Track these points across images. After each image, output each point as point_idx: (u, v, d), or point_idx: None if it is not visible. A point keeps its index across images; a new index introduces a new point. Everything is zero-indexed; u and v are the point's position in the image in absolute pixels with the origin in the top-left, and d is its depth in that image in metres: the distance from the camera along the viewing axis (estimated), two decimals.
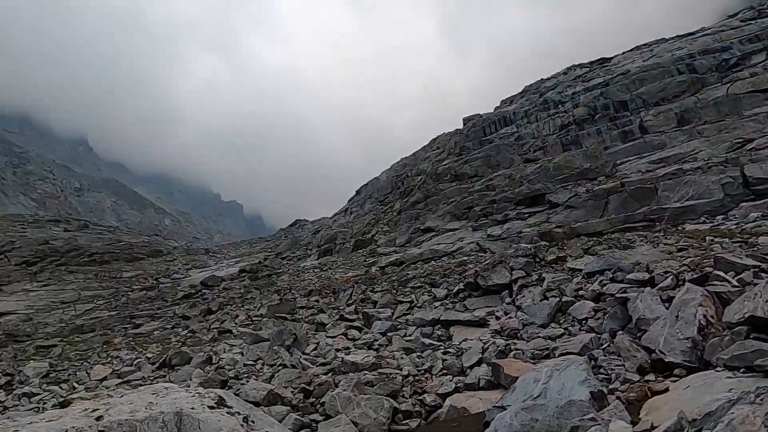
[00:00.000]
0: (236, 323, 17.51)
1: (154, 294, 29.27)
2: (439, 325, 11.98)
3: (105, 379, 12.94)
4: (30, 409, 10.56)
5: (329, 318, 14.88)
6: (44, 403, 10.99)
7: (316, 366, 10.33)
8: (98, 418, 3.70)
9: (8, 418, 4.53)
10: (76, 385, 12.72)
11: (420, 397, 8.10)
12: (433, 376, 8.88)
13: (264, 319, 16.41)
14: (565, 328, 9.68)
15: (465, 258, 19.14)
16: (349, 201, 50.04)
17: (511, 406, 5.52)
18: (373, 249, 28.25)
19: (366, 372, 9.13)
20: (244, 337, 14.08)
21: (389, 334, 12.01)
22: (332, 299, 17.68)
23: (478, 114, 38.58)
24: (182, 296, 27.40)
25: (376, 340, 11.74)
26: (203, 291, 27.90)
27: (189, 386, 9.47)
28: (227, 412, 4.13)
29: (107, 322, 23.10)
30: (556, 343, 8.89)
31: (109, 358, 15.18)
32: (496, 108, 39.74)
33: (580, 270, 12.38)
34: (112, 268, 36.50)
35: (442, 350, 10.06)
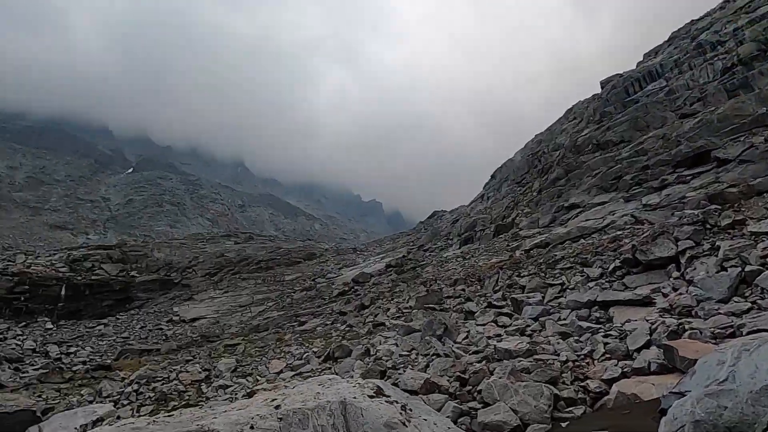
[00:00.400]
0: (388, 316, 18.30)
1: (313, 293, 31.90)
2: (596, 307, 11.19)
3: (281, 372, 14.47)
4: (225, 399, 12.24)
5: (477, 306, 14.78)
6: (235, 394, 12.65)
7: (469, 354, 10.34)
8: (277, 407, 4.17)
9: (210, 407, 5.32)
10: (258, 377, 14.43)
11: (582, 384, 7.66)
12: (595, 361, 8.33)
13: (414, 311, 16.89)
14: (753, 302, 8.39)
15: (618, 232, 17.58)
16: (485, 186, 49.05)
17: (691, 392, 4.94)
18: (515, 232, 27.36)
19: (521, 359, 8.90)
20: (397, 329, 14.64)
21: (541, 318, 11.55)
22: (478, 287, 17.54)
23: (618, 74, 35.04)
24: (337, 294, 29.45)
25: (528, 326, 11.37)
26: (355, 287, 29.67)
27: (352, 377, 10.15)
28: (386, 401, 4.35)
29: (277, 321, 25.79)
30: (743, 319, 7.75)
31: (283, 353, 16.92)
32: (639, 63, 35.71)
33: (766, 233, 10.60)
34: (275, 273, 40.64)
35: (602, 333, 9.39)
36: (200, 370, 16.10)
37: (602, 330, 9.61)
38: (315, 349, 16.22)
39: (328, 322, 21.84)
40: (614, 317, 10.44)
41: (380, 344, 13.50)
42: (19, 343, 25.91)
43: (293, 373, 13.77)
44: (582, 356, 8.63)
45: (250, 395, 7.91)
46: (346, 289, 29.94)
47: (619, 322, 9.92)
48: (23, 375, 21.76)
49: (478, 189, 51.15)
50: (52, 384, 18.70)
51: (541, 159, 37.47)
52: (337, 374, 10.96)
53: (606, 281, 12.63)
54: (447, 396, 8.04)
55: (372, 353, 12.80)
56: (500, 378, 7.76)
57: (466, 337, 11.94)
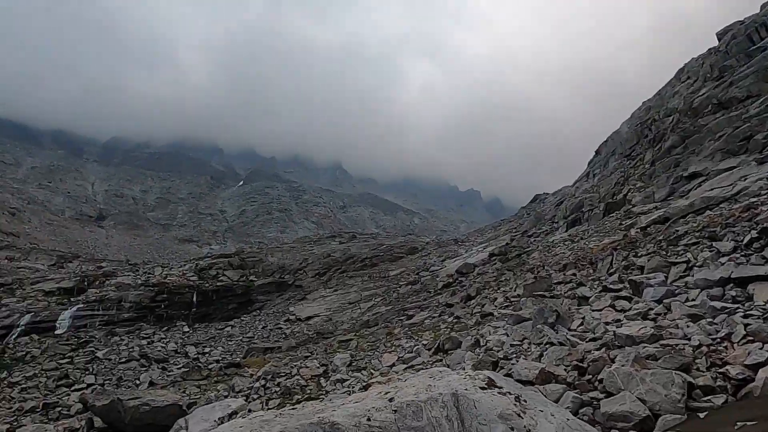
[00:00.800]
0: (496, 306, 17.95)
1: (418, 287, 32.21)
2: (731, 285, 10.03)
3: (393, 365, 14.81)
4: (343, 392, 12.80)
5: (591, 290, 13.97)
6: (352, 387, 13.17)
7: (586, 342, 9.80)
8: (390, 400, 4.29)
9: (329, 400, 5.61)
10: (372, 371, 14.90)
11: (721, 370, 6.92)
12: (735, 345, 7.48)
13: (522, 299, 16.38)
14: None
15: (753, 200, 15.61)
16: (589, 163, 46.12)
17: None
18: (627, 210, 25.42)
19: (645, 344, 8.26)
20: (506, 319, 14.30)
21: (666, 300, 10.60)
22: (590, 270, 16.57)
23: (738, 21, 31.02)
24: (442, 286, 29.46)
25: (651, 309, 10.50)
26: (460, 279, 29.46)
27: (464, 368, 10.10)
28: (498, 392, 4.28)
29: (386, 316, 26.42)
30: None
31: (393, 347, 17.31)
32: (763, 6, 31.31)
33: None
34: (380, 269, 41.64)
35: (741, 313, 8.41)
36: (318, 365, 16.99)
37: (741, 310, 8.61)
38: (424, 342, 16.37)
39: (436, 315, 21.94)
40: (754, 295, 9.29)
41: (490, 335, 13.27)
42: (164, 345, 29.21)
43: (405, 365, 14.01)
44: (718, 340, 7.80)
45: (365, 388, 8.20)
46: (451, 280, 29.84)
47: (762, 300, 8.82)
48: (169, 374, 24.53)
49: (581, 168, 48.26)
50: (193, 381, 20.90)
51: (652, 127, 34.34)
52: (448, 366, 10.97)
53: (741, 255, 11.28)
54: (565, 386, 7.70)
55: (482, 344, 12.63)
56: (623, 366, 7.27)
57: (581, 324, 11.33)
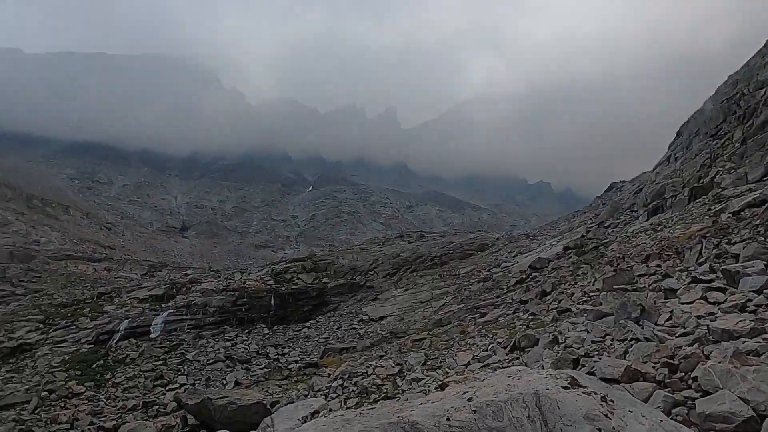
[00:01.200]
0: (573, 301, 17.26)
1: (490, 284, 31.61)
2: None
3: (468, 364, 14.64)
4: (419, 391, 12.83)
5: (678, 282, 13.08)
6: (428, 386, 13.17)
7: (676, 337, 9.21)
8: (469, 400, 4.26)
9: (406, 399, 5.65)
10: (447, 370, 14.82)
11: None
12: None
13: (602, 294, 15.65)
14: None
15: None
16: (670, 146, 43.09)
17: None
18: (716, 193, 23.53)
19: (745, 339, 7.64)
20: (585, 314, 13.72)
21: (766, 291, 9.72)
22: (677, 261, 15.51)
23: None
24: (515, 282, 28.72)
25: (750, 301, 9.67)
26: (533, 274, 28.59)
27: (543, 367, 9.81)
28: (582, 392, 4.12)
29: (458, 314, 26.15)
30: None
31: (468, 345, 17.10)
32: None
33: None
34: (450, 267, 41.28)
35: None
36: (393, 364, 17.13)
37: None
38: (499, 340, 16.06)
39: (510, 312, 21.43)
40: None
41: (568, 331, 12.80)
42: (246, 347, 30.68)
43: (480, 364, 13.81)
44: None
45: (441, 387, 8.18)
46: (524, 276, 29.02)
47: None
48: (252, 374, 25.75)
49: (660, 152, 45.21)
50: (274, 381, 21.80)
51: (741, 102, 31.53)
52: (526, 364, 10.70)
53: None
54: (654, 384, 7.27)
55: (560, 341, 12.20)
56: (720, 362, 6.75)
57: (669, 318, 10.65)
